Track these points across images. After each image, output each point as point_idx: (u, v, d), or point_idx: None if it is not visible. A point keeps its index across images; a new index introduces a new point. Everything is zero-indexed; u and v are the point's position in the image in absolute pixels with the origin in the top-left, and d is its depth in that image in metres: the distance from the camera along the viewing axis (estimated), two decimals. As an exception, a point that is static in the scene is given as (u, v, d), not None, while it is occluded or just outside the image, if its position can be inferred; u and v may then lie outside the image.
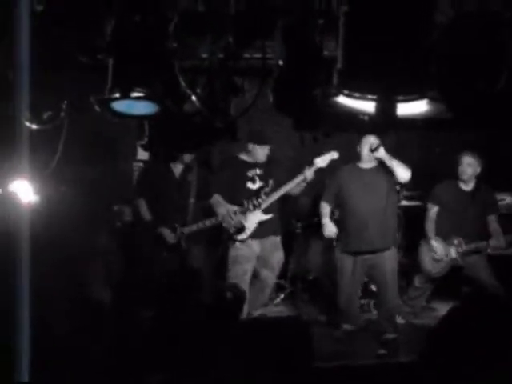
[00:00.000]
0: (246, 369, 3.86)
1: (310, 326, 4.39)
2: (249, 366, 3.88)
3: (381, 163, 7.03)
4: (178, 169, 7.08)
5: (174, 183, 7.08)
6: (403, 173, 6.94)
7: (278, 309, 8.38)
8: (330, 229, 7.26)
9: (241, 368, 3.92)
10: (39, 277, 4.66)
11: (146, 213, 7.03)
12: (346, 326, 7.37)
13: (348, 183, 7.20)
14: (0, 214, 4.77)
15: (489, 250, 7.32)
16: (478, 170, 7.31)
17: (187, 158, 7.00)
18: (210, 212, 7.22)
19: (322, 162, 7.12)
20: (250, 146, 7.16)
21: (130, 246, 7.37)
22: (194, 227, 7.05)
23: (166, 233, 6.95)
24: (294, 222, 8.59)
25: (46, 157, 5.50)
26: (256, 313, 7.29)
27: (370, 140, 6.95)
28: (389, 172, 6.98)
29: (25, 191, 4.88)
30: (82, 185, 7.04)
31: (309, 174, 7.12)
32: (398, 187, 7.34)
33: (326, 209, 7.35)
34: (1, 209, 4.77)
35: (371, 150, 6.92)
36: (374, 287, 8.05)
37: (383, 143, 6.96)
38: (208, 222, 7.09)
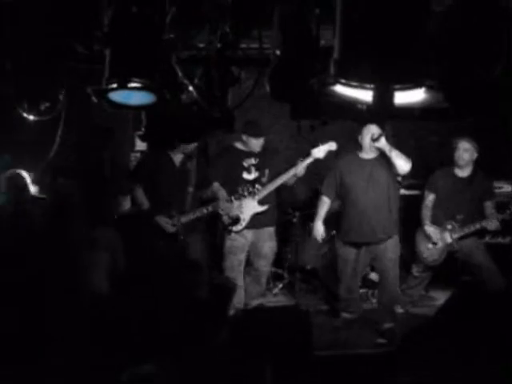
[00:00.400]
0: (245, 358, 3.88)
1: (308, 315, 4.42)
2: (247, 356, 3.90)
3: (381, 154, 7.00)
4: (178, 158, 7.07)
5: (173, 172, 7.06)
6: (403, 164, 6.91)
7: (276, 298, 8.40)
8: (318, 232, 7.27)
9: (239, 357, 3.94)
10: (37, 268, 4.67)
11: (143, 201, 7.01)
12: (346, 315, 7.39)
13: (349, 173, 7.15)
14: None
15: (484, 228, 7.29)
16: (475, 155, 7.30)
17: (187, 147, 6.99)
18: (208, 201, 7.22)
19: (319, 152, 7.08)
20: (245, 137, 7.16)
21: (127, 235, 7.37)
22: (192, 215, 7.04)
23: (164, 221, 6.94)
24: (291, 212, 8.59)
25: (44, 147, 5.51)
26: (254, 303, 7.31)
27: (372, 129, 6.92)
28: (390, 163, 6.96)
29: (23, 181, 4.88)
30: (80, 175, 7.03)
31: (304, 164, 7.11)
32: (399, 178, 7.32)
33: (324, 205, 7.31)
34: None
35: (372, 140, 6.89)
36: (373, 277, 8.06)
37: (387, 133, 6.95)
38: (205, 210, 7.07)
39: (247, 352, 4.01)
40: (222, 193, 7.11)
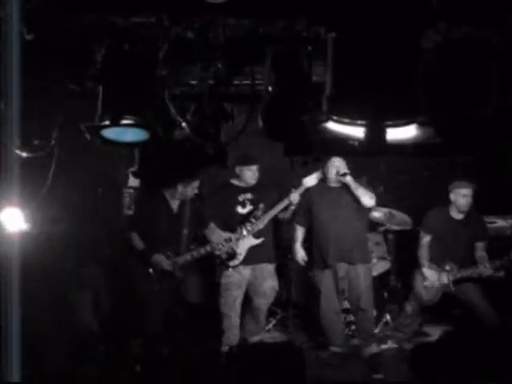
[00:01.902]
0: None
1: (302, 352, 4.39)
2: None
3: None
4: (175, 203, 7.08)
5: (170, 217, 7.06)
6: (367, 200, 7.10)
7: (269, 334, 8.32)
8: (299, 255, 7.40)
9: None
10: (29, 305, 4.64)
11: (139, 243, 6.98)
12: (333, 348, 7.35)
13: (317, 201, 7.29)
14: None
15: (481, 276, 7.32)
16: (472, 199, 7.36)
17: (186, 193, 6.99)
18: (203, 241, 7.20)
19: (309, 181, 7.16)
20: (238, 170, 7.17)
21: (120, 276, 7.34)
22: (188, 257, 7.02)
23: (161, 259, 6.90)
24: (284, 247, 8.57)
25: (37, 184, 5.49)
26: (253, 339, 7.24)
27: (336, 163, 7.07)
28: None
29: (15, 219, 4.85)
30: (73, 212, 7.01)
31: (295, 195, 7.15)
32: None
33: (298, 232, 7.46)
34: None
35: (338, 174, 7.03)
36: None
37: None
38: (202, 251, 7.06)
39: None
40: (215, 237, 7.09)
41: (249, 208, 7.17)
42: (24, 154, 5.00)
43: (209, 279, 7.47)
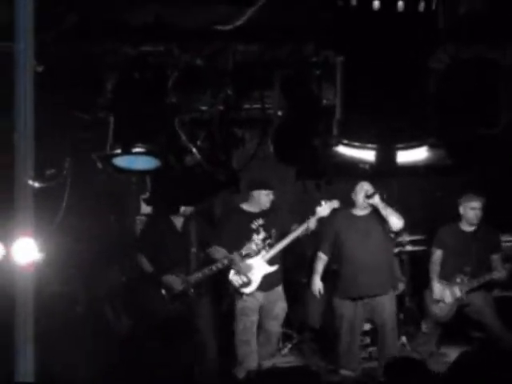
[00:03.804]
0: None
1: (319, 377, 4.36)
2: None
3: (374, 210, 7.09)
4: (179, 221, 7.08)
5: (175, 235, 7.06)
6: (396, 221, 7.03)
7: (285, 359, 8.27)
8: (316, 288, 7.30)
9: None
10: (44, 334, 4.64)
11: (147, 267, 6.99)
12: (345, 372, 7.31)
13: (343, 230, 7.21)
14: (3, 275, 4.76)
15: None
16: (482, 212, 7.33)
17: (186, 209, 7.00)
18: (212, 260, 7.20)
19: (323, 210, 7.13)
20: (256, 194, 7.14)
21: (132, 300, 7.34)
22: (200, 275, 7.00)
23: (172, 279, 6.90)
24: (299, 271, 8.55)
25: (50, 214, 5.51)
26: (267, 364, 7.21)
27: (365, 187, 7.02)
28: (383, 219, 7.04)
29: (29, 249, 4.86)
30: (86, 240, 7.04)
31: (311, 223, 7.13)
32: (392, 235, 7.33)
33: (320, 263, 7.33)
34: (4, 270, 4.76)
35: (366, 197, 6.99)
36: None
37: (381, 191, 7.01)
38: (214, 268, 7.04)
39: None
40: (222, 252, 7.07)
41: (263, 235, 7.15)
42: (37, 185, 5.03)
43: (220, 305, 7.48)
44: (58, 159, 5.37)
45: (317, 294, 7.33)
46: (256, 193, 7.11)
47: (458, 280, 7.27)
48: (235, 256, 6.99)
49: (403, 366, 3.44)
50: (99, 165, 4.62)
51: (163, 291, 6.88)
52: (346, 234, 7.15)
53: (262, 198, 7.11)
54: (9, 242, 4.83)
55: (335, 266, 7.40)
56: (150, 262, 6.96)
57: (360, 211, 7.14)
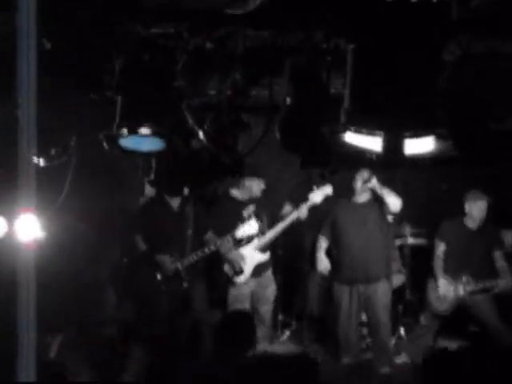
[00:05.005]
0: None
1: (317, 364, 4.37)
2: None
3: (373, 198, 7.19)
4: (175, 202, 7.09)
5: (171, 216, 7.07)
6: (394, 201, 7.09)
7: (284, 346, 8.30)
8: (323, 264, 7.41)
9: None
10: (46, 308, 4.65)
11: (141, 245, 7.00)
12: (345, 359, 7.36)
13: (342, 217, 7.34)
14: (6, 252, 4.76)
15: (496, 290, 7.28)
16: (486, 211, 7.35)
17: (185, 190, 7.02)
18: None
19: (315, 196, 7.19)
20: (248, 182, 7.16)
21: (129, 280, 7.37)
22: (193, 257, 7.01)
23: (164, 259, 6.90)
24: (299, 259, 8.56)
25: (54, 192, 5.52)
26: (261, 347, 7.23)
27: (364, 173, 7.10)
28: (381, 206, 7.14)
29: (32, 227, 4.87)
30: (89, 220, 7.04)
31: (303, 210, 7.18)
32: (390, 219, 7.34)
33: (322, 243, 7.48)
34: (6, 247, 4.76)
35: (364, 182, 7.06)
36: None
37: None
38: (206, 250, 7.04)
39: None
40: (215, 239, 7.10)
41: (254, 222, 7.16)
42: (41, 163, 5.03)
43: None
44: (64, 138, 5.37)
45: (323, 271, 7.40)
46: (248, 181, 7.13)
47: (464, 280, 7.28)
48: (228, 238, 7.01)
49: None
50: (105, 145, 4.61)
51: (157, 272, 6.91)
52: (344, 220, 7.29)
53: (254, 187, 7.15)
54: (12, 218, 4.83)
55: (334, 251, 7.46)
56: (144, 241, 6.98)
57: (359, 199, 7.21)
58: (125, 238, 7.59)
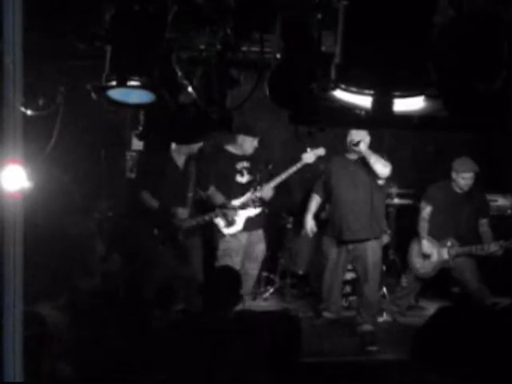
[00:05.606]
0: (235, 359, 3.87)
1: (298, 321, 4.42)
2: (237, 357, 3.90)
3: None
4: (181, 160, 7.10)
5: (176, 174, 7.09)
6: (382, 168, 7.17)
7: (266, 303, 8.39)
8: (309, 226, 7.50)
9: (229, 358, 3.94)
10: (32, 264, 4.65)
11: (153, 202, 6.96)
12: (327, 314, 7.47)
13: (335, 172, 7.44)
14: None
15: (483, 253, 7.33)
16: (473, 178, 7.38)
17: (192, 148, 7.00)
18: (207, 205, 7.25)
19: (309, 157, 7.31)
20: (241, 138, 7.21)
21: (124, 237, 7.36)
22: (194, 222, 7.07)
23: (180, 211, 6.93)
24: (285, 217, 8.60)
25: (41, 143, 5.49)
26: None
27: (352, 135, 7.14)
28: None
29: (18, 177, 4.85)
30: (76, 172, 7.03)
31: (295, 169, 7.28)
32: (381, 182, 7.38)
33: (313, 202, 7.59)
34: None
35: (352, 145, 7.06)
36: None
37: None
38: (207, 218, 7.13)
39: (236, 354, 4.01)
40: (221, 198, 7.15)
41: (247, 177, 7.22)
42: (29, 113, 4.99)
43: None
44: (52, 88, 5.33)
45: (309, 232, 7.49)
46: (241, 137, 7.16)
47: (449, 243, 7.34)
48: (230, 207, 7.06)
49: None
50: (93, 96, 4.57)
51: (155, 230, 6.92)
52: (336, 176, 7.40)
53: (246, 144, 7.19)
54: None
55: (328, 206, 7.55)
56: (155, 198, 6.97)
57: (351, 156, 7.25)
58: (112, 192, 7.59)
